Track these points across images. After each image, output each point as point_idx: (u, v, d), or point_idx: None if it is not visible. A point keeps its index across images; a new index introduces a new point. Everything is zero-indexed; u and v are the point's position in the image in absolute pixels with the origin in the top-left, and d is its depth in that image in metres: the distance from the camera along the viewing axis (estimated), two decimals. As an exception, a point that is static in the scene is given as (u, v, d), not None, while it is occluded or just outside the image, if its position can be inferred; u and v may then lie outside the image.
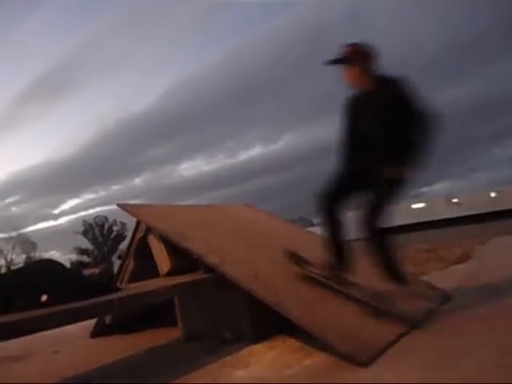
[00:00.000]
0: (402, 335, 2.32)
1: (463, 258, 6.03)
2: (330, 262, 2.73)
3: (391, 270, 2.53)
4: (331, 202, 2.70)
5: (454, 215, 35.46)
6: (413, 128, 2.60)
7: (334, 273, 2.69)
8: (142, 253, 3.63)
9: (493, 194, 36.39)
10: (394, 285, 2.53)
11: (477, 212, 33.92)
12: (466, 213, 34.85)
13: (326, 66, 2.74)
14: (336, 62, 2.73)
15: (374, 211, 2.52)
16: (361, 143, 2.77)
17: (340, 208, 2.72)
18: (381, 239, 2.51)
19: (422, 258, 7.06)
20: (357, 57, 2.67)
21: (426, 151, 2.59)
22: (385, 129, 2.65)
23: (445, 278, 4.41)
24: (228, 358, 2.51)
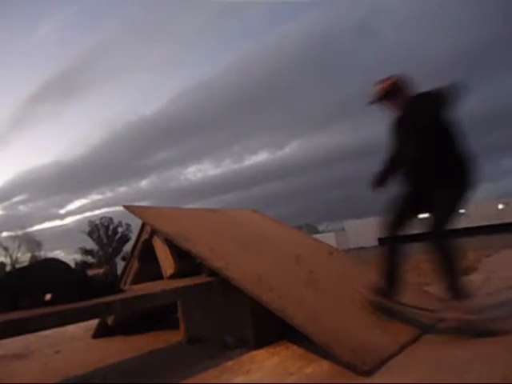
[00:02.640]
0: (405, 345, 2.30)
1: (469, 270, 5.96)
2: (380, 287, 2.71)
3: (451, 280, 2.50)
4: (395, 230, 2.71)
5: (460, 226, 35.18)
6: (455, 141, 2.62)
7: (381, 298, 2.68)
8: (146, 255, 3.63)
9: (500, 206, 36.06)
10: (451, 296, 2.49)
11: (484, 223, 33.64)
12: (472, 224, 34.58)
13: (370, 106, 2.84)
14: (379, 99, 2.82)
15: (440, 228, 2.49)
16: (406, 166, 2.76)
17: (401, 235, 2.73)
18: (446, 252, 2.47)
19: (428, 268, 6.99)
20: (394, 91, 2.76)
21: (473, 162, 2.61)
22: (421, 148, 2.61)
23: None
24: (229, 363, 2.49)
